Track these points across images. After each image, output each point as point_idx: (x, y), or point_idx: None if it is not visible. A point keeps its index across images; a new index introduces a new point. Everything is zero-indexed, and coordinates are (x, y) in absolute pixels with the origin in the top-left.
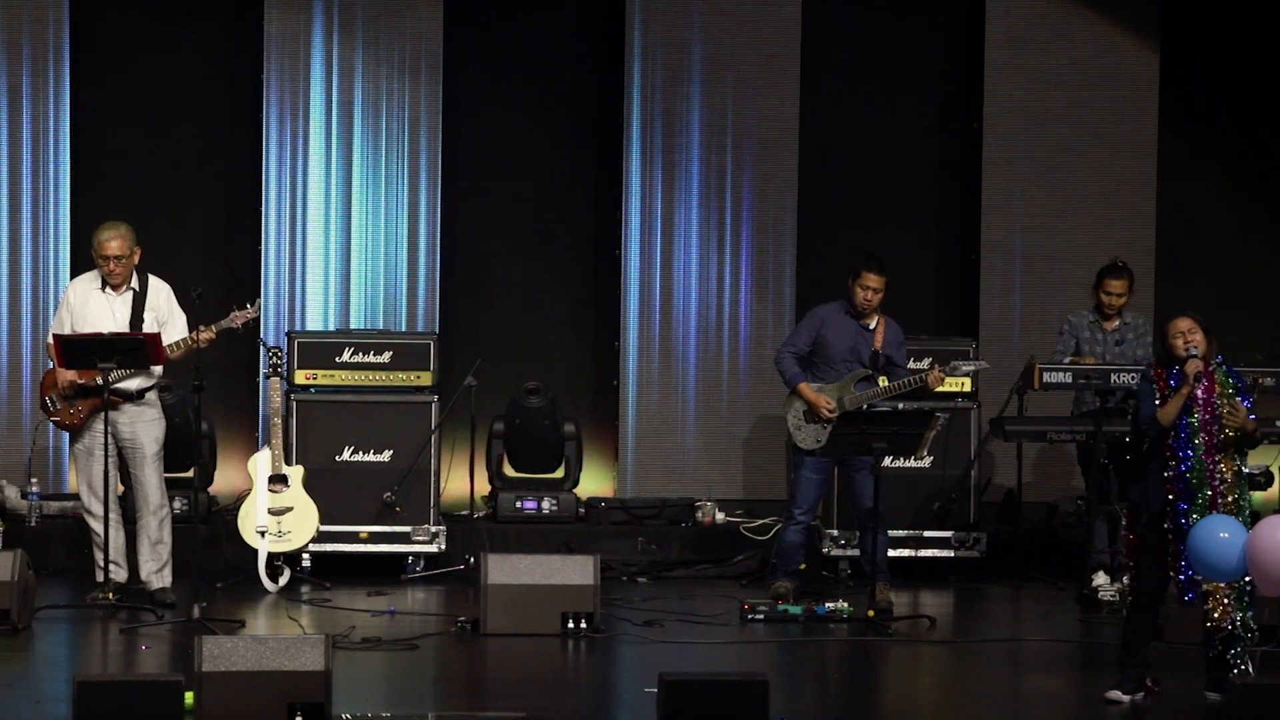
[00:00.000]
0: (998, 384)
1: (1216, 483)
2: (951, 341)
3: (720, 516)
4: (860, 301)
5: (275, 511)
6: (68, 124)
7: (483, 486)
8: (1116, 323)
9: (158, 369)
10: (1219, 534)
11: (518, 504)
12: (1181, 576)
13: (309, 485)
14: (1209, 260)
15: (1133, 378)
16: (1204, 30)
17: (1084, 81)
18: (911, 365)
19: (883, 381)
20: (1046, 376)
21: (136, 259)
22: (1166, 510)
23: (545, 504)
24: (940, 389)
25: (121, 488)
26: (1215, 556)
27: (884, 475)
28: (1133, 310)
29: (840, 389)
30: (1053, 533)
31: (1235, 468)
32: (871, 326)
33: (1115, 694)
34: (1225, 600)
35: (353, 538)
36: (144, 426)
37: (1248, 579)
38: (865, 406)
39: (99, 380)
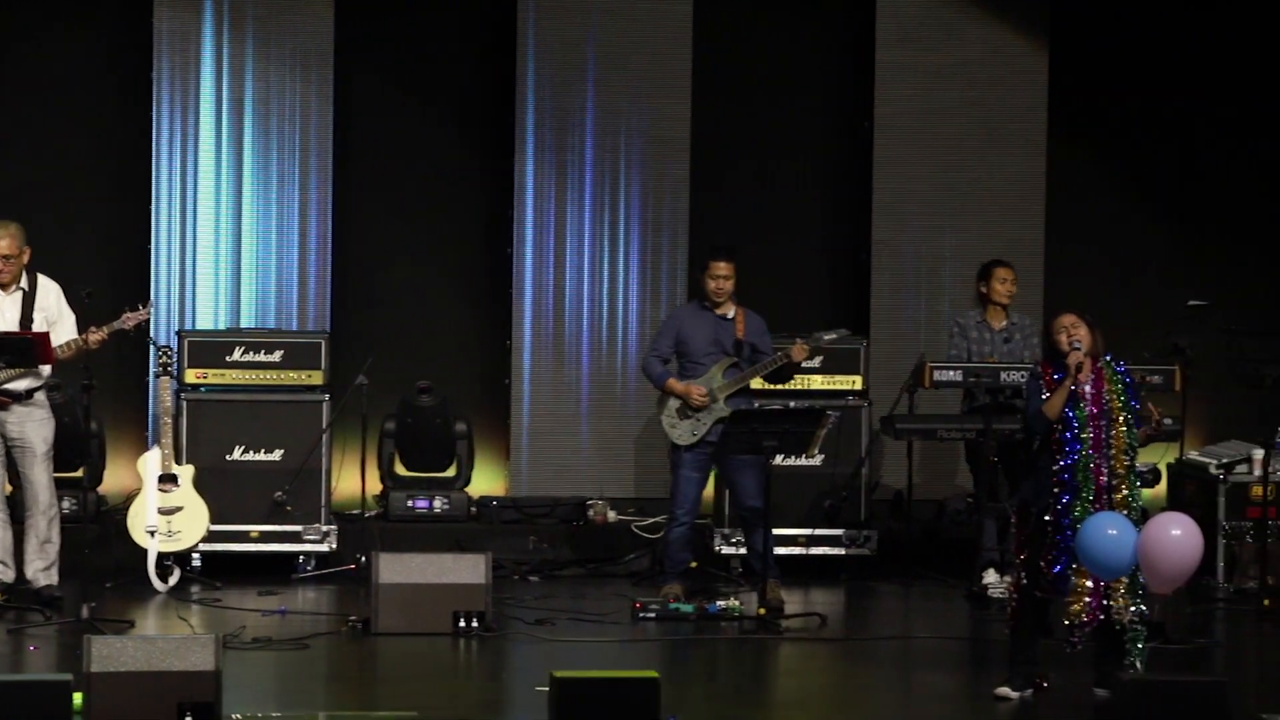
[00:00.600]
0: (888, 382)
1: (1105, 478)
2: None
3: (612, 515)
4: (712, 291)
5: (165, 511)
6: None
7: (374, 485)
8: (1004, 322)
9: (46, 369)
10: (1107, 530)
11: (409, 503)
12: (1055, 569)
13: (199, 485)
14: (1098, 259)
15: (1022, 376)
16: (1093, 30)
17: (974, 81)
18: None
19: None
20: (937, 375)
21: (26, 259)
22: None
23: (437, 503)
24: (832, 387)
25: (9, 487)
26: (1104, 553)
27: (775, 473)
28: (1018, 310)
29: (709, 380)
30: (943, 530)
31: (1127, 463)
32: (730, 316)
33: (1004, 691)
34: (1087, 598)
35: (243, 537)
36: (33, 426)
37: (1139, 574)
38: (758, 404)
39: None
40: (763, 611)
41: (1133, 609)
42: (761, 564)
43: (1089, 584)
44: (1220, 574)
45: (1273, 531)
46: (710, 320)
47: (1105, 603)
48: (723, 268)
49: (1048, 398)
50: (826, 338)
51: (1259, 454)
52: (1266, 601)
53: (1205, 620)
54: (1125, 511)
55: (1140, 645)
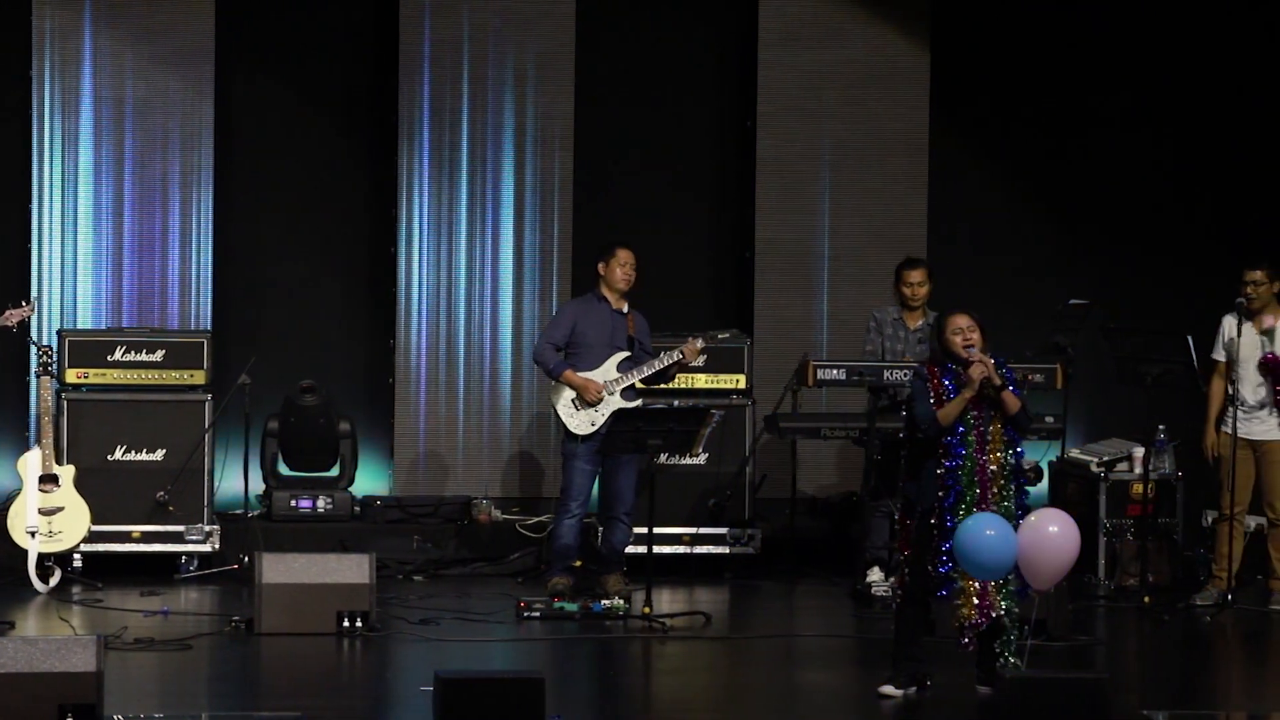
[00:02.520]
0: (772, 381)
1: (990, 470)
2: (733, 339)
3: (496, 514)
4: (622, 279)
5: (46, 511)
6: None
7: (257, 485)
8: (920, 320)
9: None
10: (985, 532)
11: (292, 503)
12: (941, 570)
13: (80, 485)
14: (980, 257)
15: (905, 374)
16: (973, 29)
17: (856, 80)
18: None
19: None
20: (820, 373)
21: None
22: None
23: (320, 502)
24: (716, 385)
25: None
26: (982, 554)
27: (659, 472)
28: (934, 309)
29: (604, 373)
30: (833, 528)
31: (1002, 459)
32: (625, 312)
33: (888, 689)
34: (975, 598)
35: (125, 537)
36: None
37: (1011, 575)
38: (642, 403)
39: None
40: (647, 610)
41: (1005, 604)
42: (616, 556)
43: (976, 584)
44: (1101, 571)
45: (1153, 529)
46: (607, 314)
47: (991, 601)
48: (630, 255)
49: (935, 402)
50: (720, 337)
51: (1139, 452)
52: (1147, 599)
53: (1087, 618)
54: (1000, 505)
55: (1012, 639)
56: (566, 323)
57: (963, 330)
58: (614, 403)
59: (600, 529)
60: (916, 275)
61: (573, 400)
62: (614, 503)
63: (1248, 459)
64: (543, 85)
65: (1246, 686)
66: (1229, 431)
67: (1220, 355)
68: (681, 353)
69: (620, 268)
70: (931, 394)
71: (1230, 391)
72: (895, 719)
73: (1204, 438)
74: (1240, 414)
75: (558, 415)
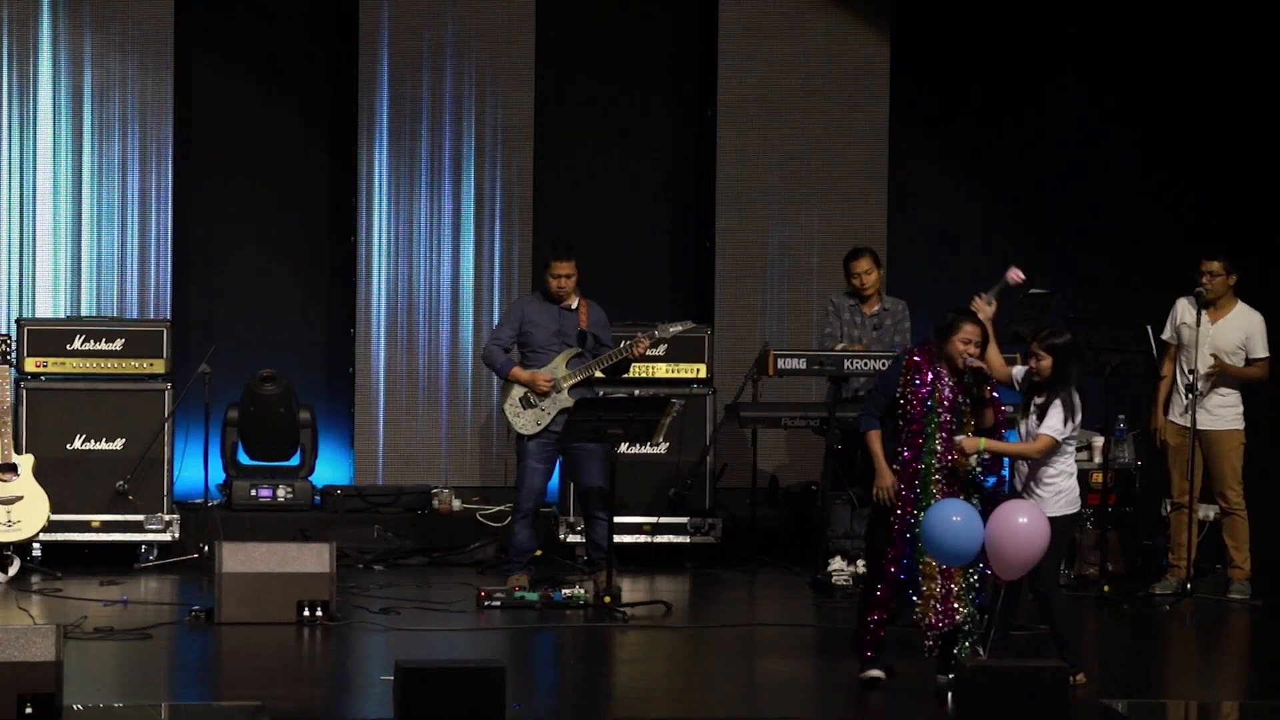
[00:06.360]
0: (733, 370)
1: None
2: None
3: (457, 504)
4: (555, 290)
5: (5, 501)
6: None
7: (217, 474)
8: (876, 307)
9: None
10: (952, 518)
11: (252, 492)
12: (902, 575)
13: (39, 474)
14: (940, 246)
15: (865, 364)
16: (934, 19)
17: (816, 69)
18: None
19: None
20: (781, 363)
21: None
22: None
23: (280, 492)
24: (677, 375)
25: None
26: (950, 540)
27: (620, 461)
28: (892, 296)
29: (553, 370)
30: (798, 518)
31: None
32: (574, 307)
33: (874, 672)
34: (934, 603)
35: (84, 527)
36: None
37: (974, 574)
38: (602, 393)
39: None
40: (607, 600)
41: (965, 611)
42: (603, 553)
43: (936, 589)
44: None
45: (1113, 518)
46: (554, 311)
47: (954, 605)
48: (565, 267)
49: (902, 398)
50: (672, 329)
51: (1099, 441)
52: (1106, 588)
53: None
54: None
55: (967, 645)
56: (514, 321)
57: (971, 340)
58: (561, 401)
59: (582, 527)
60: (862, 264)
61: (520, 399)
62: (588, 500)
63: (1196, 447)
64: (503, 74)
65: (1205, 675)
66: (1174, 420)
67: (1169, 337)
68: (632, 348)
69: (553, 279)
70: (898, 389)
71: (1177, 376)
72: (856, 707)
73: (1151, 419)
74: (1187, 401)
75: (504, 416)
